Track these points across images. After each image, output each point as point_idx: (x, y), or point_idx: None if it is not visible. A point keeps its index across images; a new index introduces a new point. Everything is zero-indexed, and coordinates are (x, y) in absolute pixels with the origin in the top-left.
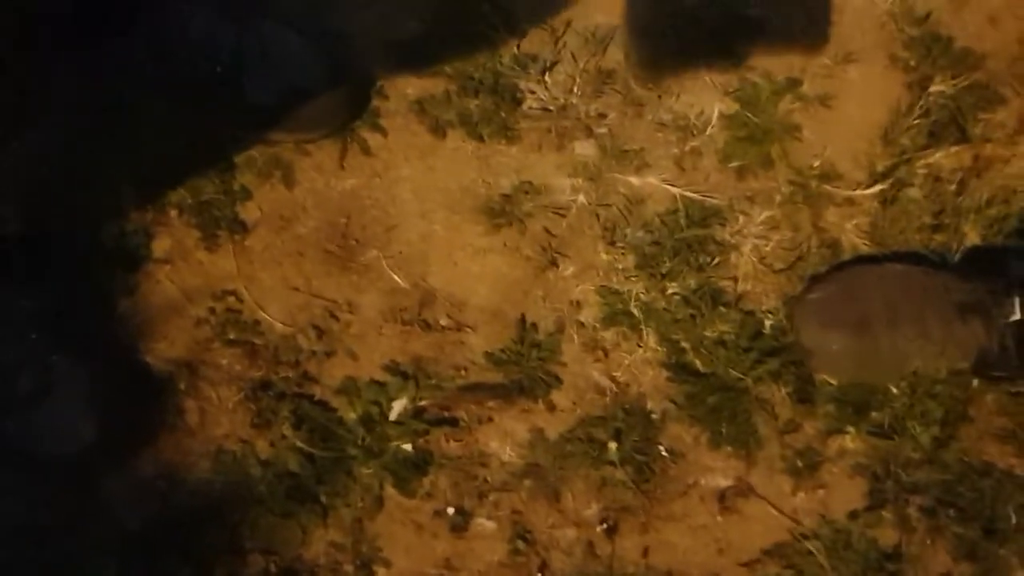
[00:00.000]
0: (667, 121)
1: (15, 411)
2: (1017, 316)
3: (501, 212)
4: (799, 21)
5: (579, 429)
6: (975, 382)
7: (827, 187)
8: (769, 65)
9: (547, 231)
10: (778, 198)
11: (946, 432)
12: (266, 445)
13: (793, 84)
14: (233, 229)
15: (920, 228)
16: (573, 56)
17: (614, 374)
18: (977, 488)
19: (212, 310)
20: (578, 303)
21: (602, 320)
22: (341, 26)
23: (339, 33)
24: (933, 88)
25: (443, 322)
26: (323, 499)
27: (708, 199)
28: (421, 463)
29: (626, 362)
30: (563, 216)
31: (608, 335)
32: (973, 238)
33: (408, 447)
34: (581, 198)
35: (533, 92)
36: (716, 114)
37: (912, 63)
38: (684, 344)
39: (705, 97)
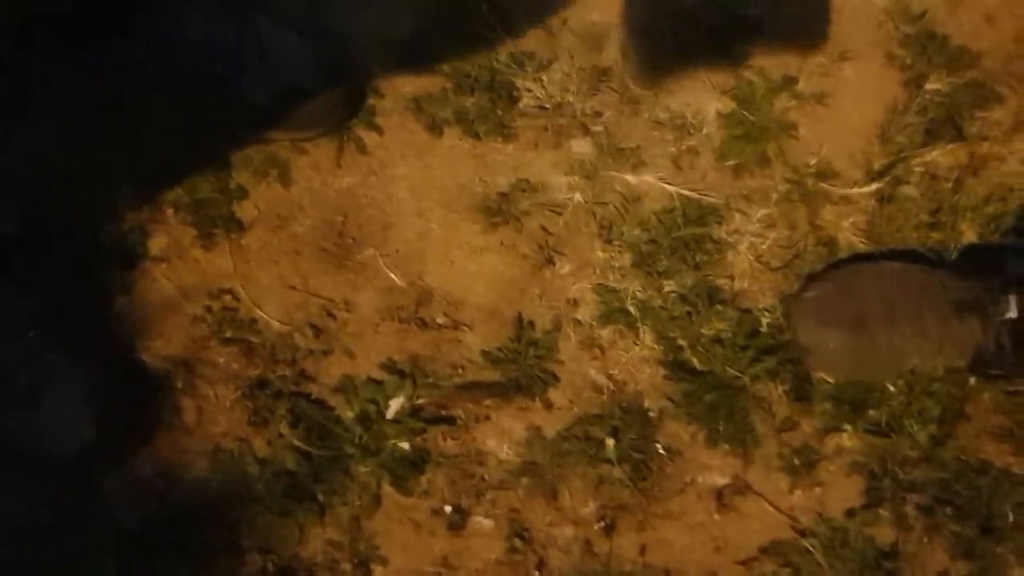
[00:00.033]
0: (663, 119)
1: (14, 410)
2: (1014, 314)
3: (498, 210)
4: (796, 20)
5: (576, 427)
6: (972, 380)
7: (824, 185)
8: (765, 63)
9: (544, 229)
10: (775, 196)
11: (943, 430)
12: (263, 443)
13: (789, 82)
14: (229, 227)
15: (917, 226)
16: (570, 54)
17: (611, 372)
18: (974, 486)
19: (209, 308)
20: (575, 301)
21: (599, 318)
22: (340, 26)
23: (338, 33)
24: (929, 86)
25: (440, 320)
26: (320, 497)
27: (705, 197)
28: (418, 461)
29: (623, 360)
30: (560, 214)
31: (605, 333)
32: (970, 236)
33: (405, 445)
34: (578, 196)
35: (530, 90)
36: (713, 112)
37: (908, 61)
38: (681, 342)
39: (701, 95)
